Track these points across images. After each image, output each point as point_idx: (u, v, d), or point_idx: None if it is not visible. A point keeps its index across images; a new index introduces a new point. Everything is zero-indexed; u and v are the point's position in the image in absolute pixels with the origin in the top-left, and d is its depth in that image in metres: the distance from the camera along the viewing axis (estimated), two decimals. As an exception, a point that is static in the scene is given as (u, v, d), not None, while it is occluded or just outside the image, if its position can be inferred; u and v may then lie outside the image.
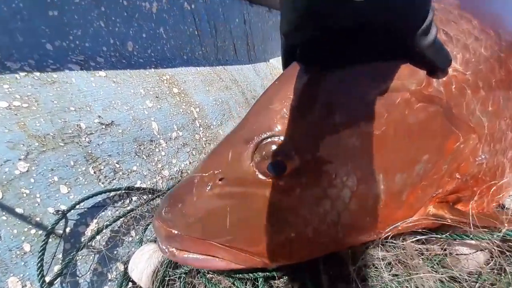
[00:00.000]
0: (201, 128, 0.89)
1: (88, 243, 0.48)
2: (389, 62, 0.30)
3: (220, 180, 0.32)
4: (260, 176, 0.31)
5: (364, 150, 0.30)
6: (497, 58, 0.37)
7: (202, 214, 0.32)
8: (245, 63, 1.31)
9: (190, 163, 0.79)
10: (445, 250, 0.36)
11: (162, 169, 0.71)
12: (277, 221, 0.31)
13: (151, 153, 0.70)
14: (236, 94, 1.14)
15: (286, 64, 0.35)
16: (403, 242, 0.37)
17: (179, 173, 0.74)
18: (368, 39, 0.27)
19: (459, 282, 0.34)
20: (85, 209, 0.53)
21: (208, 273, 0.41)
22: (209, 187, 0.32)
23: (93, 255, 0.50)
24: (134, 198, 0.63)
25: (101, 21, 0.71)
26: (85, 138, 0.58)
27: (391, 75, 0.31)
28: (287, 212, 0.31)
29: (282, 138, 0.30)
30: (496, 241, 0.33)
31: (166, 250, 0.34)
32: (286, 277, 0.39)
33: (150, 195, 0.61)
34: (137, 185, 0.65)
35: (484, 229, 0.33)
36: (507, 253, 0.33)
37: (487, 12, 0.40)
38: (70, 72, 0.63)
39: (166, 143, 0.75)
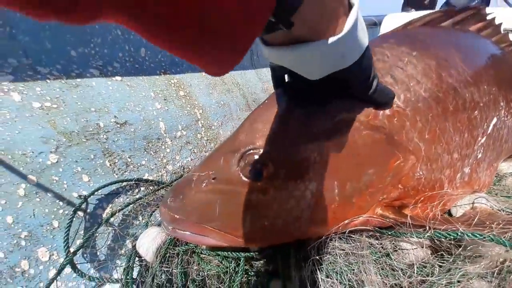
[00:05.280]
0: (203, 128, 0.99)
1: (105, 223, 0.58)
2: (344, 100, 0.40)
3: (213, 179, 0.41)
4: (244, 178, 0.40)
5: (322, 163, 0.40)
6: (435, 98, 0.46)
7: (198, 204, 0.41)
8: (248, 68, 1.39)
9: (191, 160, 0.88)
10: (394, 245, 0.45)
11: (167, 164, 0.81)
12: (255, 213, 0.41)
13: (158, 150, 0.80)
14: (237, 97, 1.23)
15: (276, 86, 0.44)
16: (359, 237, 0.46)
17: (182, 169, 0.83)
18: (329, 86, 0.36)
19: (396, 270, 0.42)
20: (102, 195, 0.63)
21: (201, 253, 0.51)
22: (205, 184, 0.41)
23: (108, 233, 0.60)
24: (142, 188, 0.73)
25: (118, 30, 0.80)
26: (103, 135, 0.67)
27: (346, 108, 0.40)
28: (263, 207, 0.40)
29: (261, 151, 0.40)
30: (426, 239, 0.42)
31: (170, 230, 0.43)
32: (263, 258, 0.49)
33: (155, 186, 0.71)
34: (145, 177, 0.74)
35: (419, 229, 0.42)
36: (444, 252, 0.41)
37: (435, 54, 0.49)
38: (91, 76, 0.73)
39: (171, 141, 0.85)
